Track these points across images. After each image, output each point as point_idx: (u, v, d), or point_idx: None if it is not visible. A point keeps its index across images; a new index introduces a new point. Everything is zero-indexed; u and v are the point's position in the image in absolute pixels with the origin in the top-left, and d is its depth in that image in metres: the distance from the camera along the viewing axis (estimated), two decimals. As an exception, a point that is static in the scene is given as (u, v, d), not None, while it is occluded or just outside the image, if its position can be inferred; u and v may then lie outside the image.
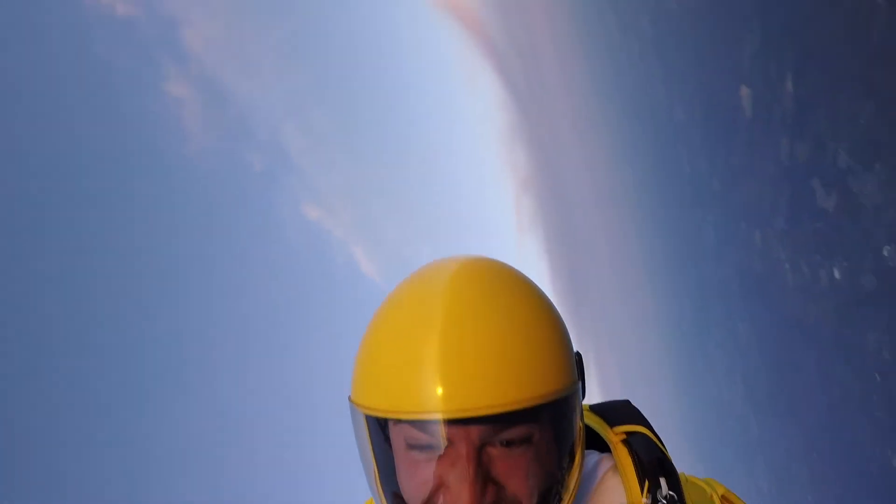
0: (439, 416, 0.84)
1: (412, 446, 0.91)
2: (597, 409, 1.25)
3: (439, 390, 0.84)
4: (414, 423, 0.88)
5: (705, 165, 11.08)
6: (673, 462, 1.10)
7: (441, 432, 0.86)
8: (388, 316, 1.00)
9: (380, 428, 0.95)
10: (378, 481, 1.00)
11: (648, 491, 1.02)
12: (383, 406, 0.90)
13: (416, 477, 0.92)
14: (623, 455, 1.10)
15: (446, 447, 0.87)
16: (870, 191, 5.13)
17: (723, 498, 1.13)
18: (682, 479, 1.07)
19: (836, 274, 5.94)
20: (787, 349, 6.18)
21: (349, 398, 1.00)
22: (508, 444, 0.88)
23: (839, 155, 5.63)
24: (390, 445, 0.95)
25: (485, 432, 0.86)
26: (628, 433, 1.15)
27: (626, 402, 1.29)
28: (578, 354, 1.03)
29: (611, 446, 1.15)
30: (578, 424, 1.00)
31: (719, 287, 8.40)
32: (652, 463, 1.06)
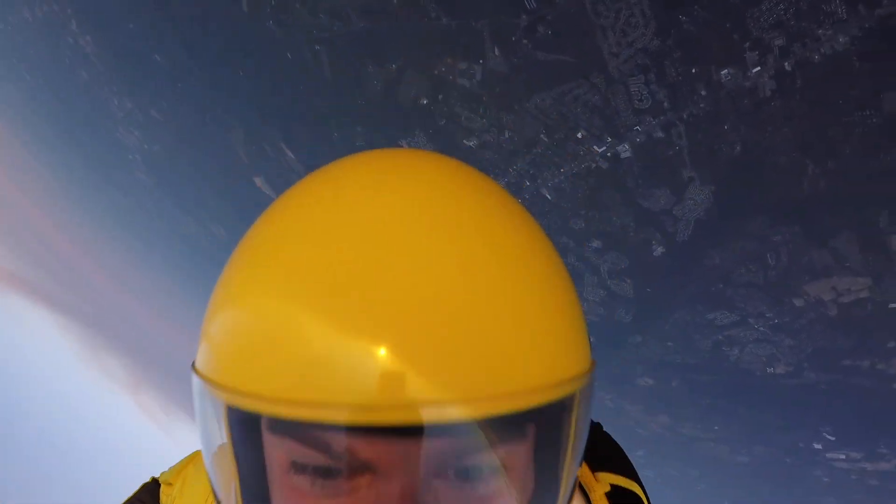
0: (362, 418, 0.47)
1: (300, 466, 0.54)
2: None
3: (368, 369, 0.47)
4: (313, 430, 0.50)
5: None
6: None
7: (356, 447, 0.49)
8: (272, 235, 0.59)
9: (248, 429, 0.56)
10: None
11: None
12: (257, 388, 0.51)
13: None
14: None
15: (365, 473, 0.51)
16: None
17: None
18: None
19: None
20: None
21: (194, 368, 0.61)
22: (468, 474, 0.53)
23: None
24: (263, 461, 0.57)
25: (438, 454, 0.50)
26: (615, 486, 0.84)
27: (607, 436, 0.97)
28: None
29: (590, 495, 0.82)
30: (583, 442, 0.64)
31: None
32: None
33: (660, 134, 11.31)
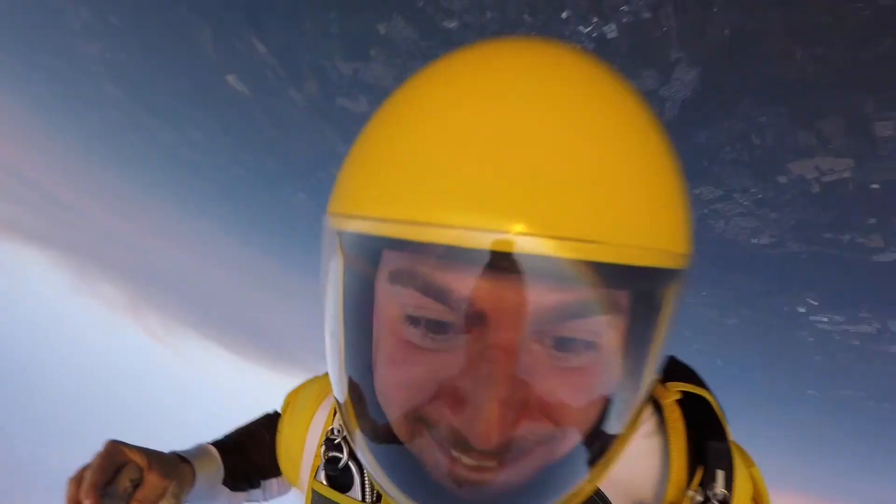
0: (477, 240, 0.43)
1: (412, 318, 0.50)
2: None
3: (486, 191, 0.44)
4: (431, 253, 0.46)
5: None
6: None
7: (472, 291, 0.46)
8: (416, 93, 0.54)
9: (365, 270, 0.53)
10: (342, 366, 0.58)
11: (701, 483, 0.66)
12: (380, 211, 0.48)
13: (405, 370, 0.52)
14: (675, 419, 0.72)
15: (472, 323, 0.47)
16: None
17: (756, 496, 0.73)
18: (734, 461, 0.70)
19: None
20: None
21: (327, 214, 0.56)
22: (564, 346, 0.49)
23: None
24: (374, 307, 0.54)
25: (541, 311, 0.46)
26: (686, 392, 0.75)
27: (672, 356, 0.85)
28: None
29: (660, 402, 0.75)
30: (668, 339, 0.57)
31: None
32: (717, 450, 0.68)
33: (647, 14, 10.96)
